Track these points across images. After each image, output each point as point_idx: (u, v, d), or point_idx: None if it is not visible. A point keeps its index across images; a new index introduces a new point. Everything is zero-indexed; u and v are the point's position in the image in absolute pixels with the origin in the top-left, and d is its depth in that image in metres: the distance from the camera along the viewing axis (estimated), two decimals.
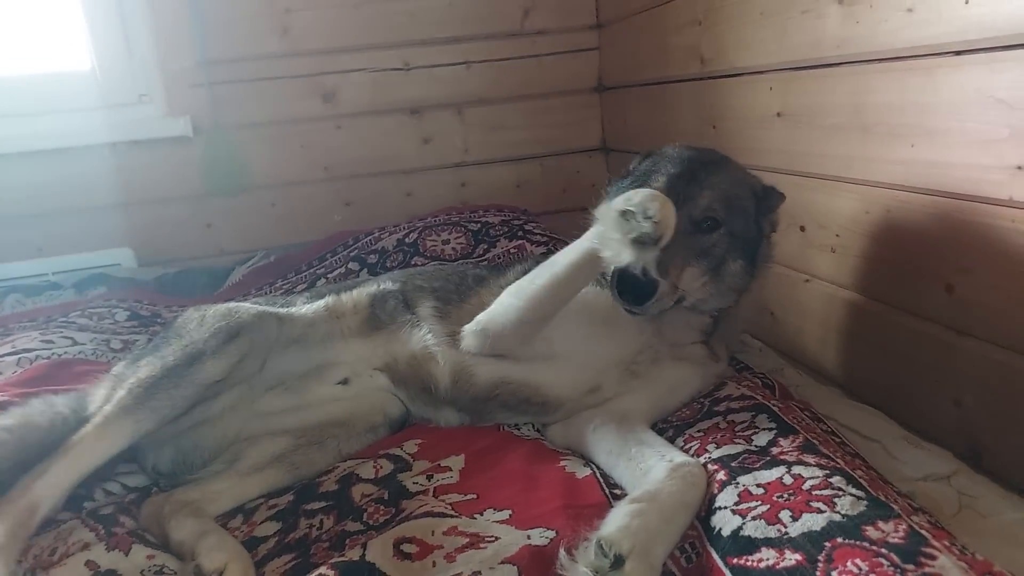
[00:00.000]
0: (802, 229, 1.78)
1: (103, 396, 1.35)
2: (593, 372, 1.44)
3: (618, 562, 0.95)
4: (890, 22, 1.40)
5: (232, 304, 1.49)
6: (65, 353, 1.88)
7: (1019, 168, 1.16)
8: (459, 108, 2.98)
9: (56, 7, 2.72)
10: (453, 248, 2.43)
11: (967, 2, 1.21)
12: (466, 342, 1.44)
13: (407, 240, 2.46)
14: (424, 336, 1.52)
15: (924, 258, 1.40)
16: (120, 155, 2.70)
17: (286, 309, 1.53)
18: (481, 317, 1.43)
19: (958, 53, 1.25)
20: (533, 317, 1.38)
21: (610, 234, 1.17)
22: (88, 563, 1.14)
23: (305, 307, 1.54)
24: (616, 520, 1.01)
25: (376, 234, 2.53)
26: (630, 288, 1.22)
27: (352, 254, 2.48)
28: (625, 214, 1.14)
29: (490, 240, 2.45)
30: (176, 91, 2.70)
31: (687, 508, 1.07)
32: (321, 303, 1.57)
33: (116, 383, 1.36)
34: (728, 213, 1.35)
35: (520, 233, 2.47)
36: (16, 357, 1.81)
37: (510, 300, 1.39)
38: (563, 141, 3.10)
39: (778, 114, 1.81)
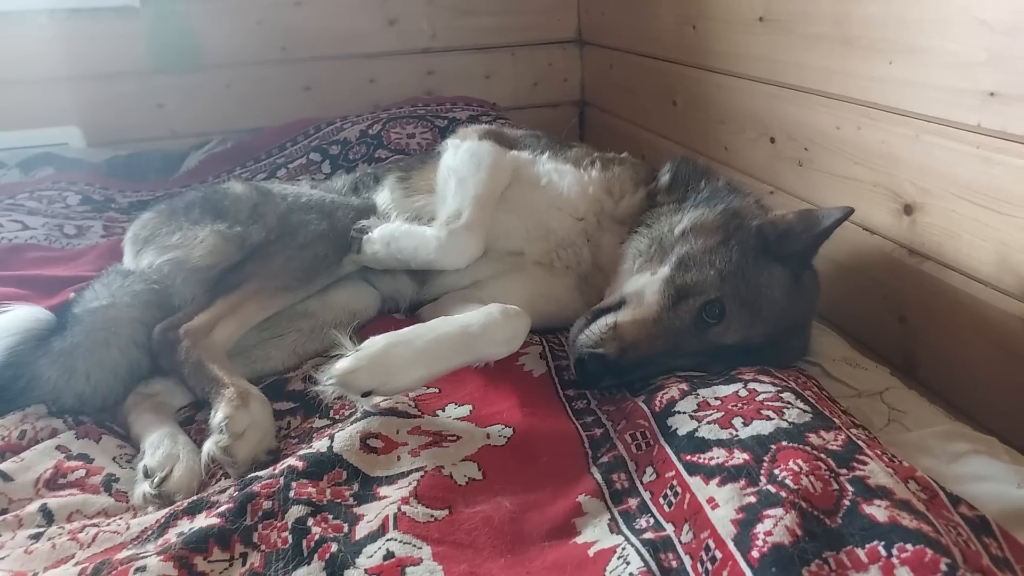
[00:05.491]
0: (772, 141, 1.77)
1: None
2: (522, 228, 1.48)
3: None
4: None
5: (317, 194, 1.61)
6: (15, 238, 1.82)
7: (991, 95, 1.16)
8: None
9: None
10: (418, 143, 2.35)
11: None
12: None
13: (371, 132, 2.37)
14: (385, 197, 1.62)
15: (886, 178, 1.43)
16: (60, 23, 2.49)
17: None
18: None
19: None
20: None
21: None
22: (60, 447, 1.16)
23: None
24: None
25: (338, 123, 2.44)
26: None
27: (313, 144, 2.39)
28: None
29: None
30: None
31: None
32: (345, 182, 1.75)
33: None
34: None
35: None
36: None
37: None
38: (537, 31, 2.96)
39: (760, 18, 1.76)
